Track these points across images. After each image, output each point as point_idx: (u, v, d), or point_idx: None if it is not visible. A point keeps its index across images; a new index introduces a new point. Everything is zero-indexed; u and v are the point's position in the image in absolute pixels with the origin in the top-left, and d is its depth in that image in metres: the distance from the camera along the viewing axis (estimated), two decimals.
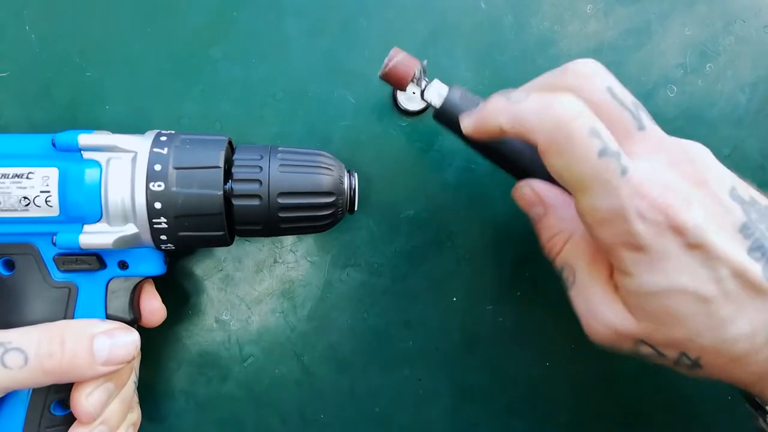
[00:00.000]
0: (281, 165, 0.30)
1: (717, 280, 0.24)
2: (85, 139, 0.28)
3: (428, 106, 0.31)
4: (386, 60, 0.30)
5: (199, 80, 0.36)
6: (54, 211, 0.28)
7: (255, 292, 0.38)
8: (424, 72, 0.30)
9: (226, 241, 0.30)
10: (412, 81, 0.30)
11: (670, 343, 0.26)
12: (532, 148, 0.26)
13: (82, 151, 0.28)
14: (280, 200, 0.30)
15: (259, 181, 0.29)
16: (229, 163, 0.30)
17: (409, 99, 0.36)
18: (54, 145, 0.28)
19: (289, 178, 0.30)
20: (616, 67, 0.36)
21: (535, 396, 0.38)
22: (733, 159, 0.37)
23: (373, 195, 0.37)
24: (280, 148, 0.31)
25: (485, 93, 0.36)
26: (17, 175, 0.28)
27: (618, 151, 0.24)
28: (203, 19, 0.36)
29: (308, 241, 0.37)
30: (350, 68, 0.36)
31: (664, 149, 0.26)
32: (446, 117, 0.30)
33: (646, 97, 0.37)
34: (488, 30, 0.36)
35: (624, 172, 0.24)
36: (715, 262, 0.24)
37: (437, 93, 0.30)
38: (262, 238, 0.37)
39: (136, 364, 0.34)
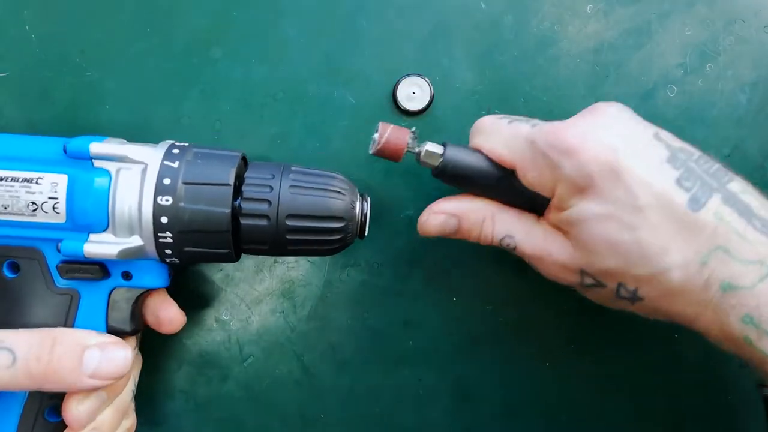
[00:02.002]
0: (292, 186, 0.29)
1: (639, 209, 0.26)
2: (96, 147, 0.28)
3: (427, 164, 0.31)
4: (376, 136, 0.30)
5: (199, 80, 0.36)
6: (61, 218, 0.28)
7: (255, 292, 0.38)
8: (416, 138, 0.31)
9: (231, 259, 0.30)
10: (408, 151, 0.30)
11: (606, 273, 0.27)
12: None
13: (92, 160, 0.28)
14: (289, 222, 0.29)
15: (269, 202, 0.29)
16: (240, 179, 0.29)
17: (409, 99, 0.36)
18: (65, 151, 0.28)
19: (299, 200, 0.29)
20: (616, 67, 0.36)
21: (535, 396, 0.38)
22: (733, 159, 0.37)
23: (373, 195, 0.37)
24: (293, 168, 0.30)
25: (485, 93, 0.36)
26: (27, 180, 0.27)
27: (525, 118, 0.30)
28: (203, 19, 0.36)
29: None
30: (350, 68, 0.36)
31: (580, 114, 0.29)
32: (448, 173, 0.31)
33: (646, 97, 0.37)
34: (488, 30, 0.36)
35: (534, 125, 0.29)
36: (637, 189, 0.26)
37: (434, 154, 0.30)
38: None
39: (136, 371, 0.33)
